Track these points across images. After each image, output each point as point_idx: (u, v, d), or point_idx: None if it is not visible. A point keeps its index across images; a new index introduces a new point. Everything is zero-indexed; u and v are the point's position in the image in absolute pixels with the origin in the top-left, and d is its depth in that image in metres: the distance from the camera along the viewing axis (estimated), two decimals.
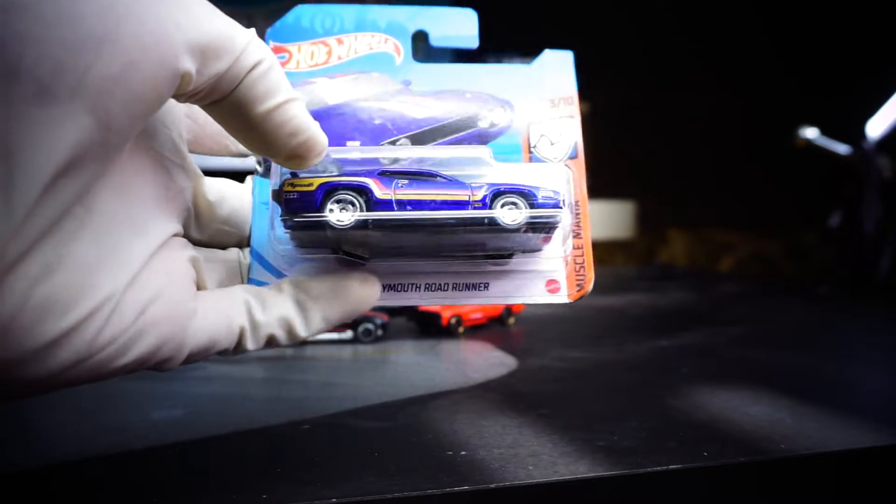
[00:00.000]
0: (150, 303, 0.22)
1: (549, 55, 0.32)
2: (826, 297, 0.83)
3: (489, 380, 0.43)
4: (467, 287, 0.29)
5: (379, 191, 0.27)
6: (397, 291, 0.29)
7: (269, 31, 0.31)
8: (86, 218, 0.20)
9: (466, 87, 0.31)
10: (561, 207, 0.28)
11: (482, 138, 0.31)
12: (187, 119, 0.27)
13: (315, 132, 0.24)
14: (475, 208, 0.27)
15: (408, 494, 0.26)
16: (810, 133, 0.90)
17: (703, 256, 1.36)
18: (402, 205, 0.27)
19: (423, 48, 0.32)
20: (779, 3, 1.28)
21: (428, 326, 0.56)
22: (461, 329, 0.55)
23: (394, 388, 0.41)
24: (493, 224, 0.27)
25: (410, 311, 0.58)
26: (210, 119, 0.25)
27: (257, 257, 0.29)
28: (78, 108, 0.18)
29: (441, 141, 0.30)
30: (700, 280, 0.97)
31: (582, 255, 0.29)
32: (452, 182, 0.28)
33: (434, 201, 0.27)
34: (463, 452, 0.30)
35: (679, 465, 0.29)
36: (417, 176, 0.28)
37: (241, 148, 0.27)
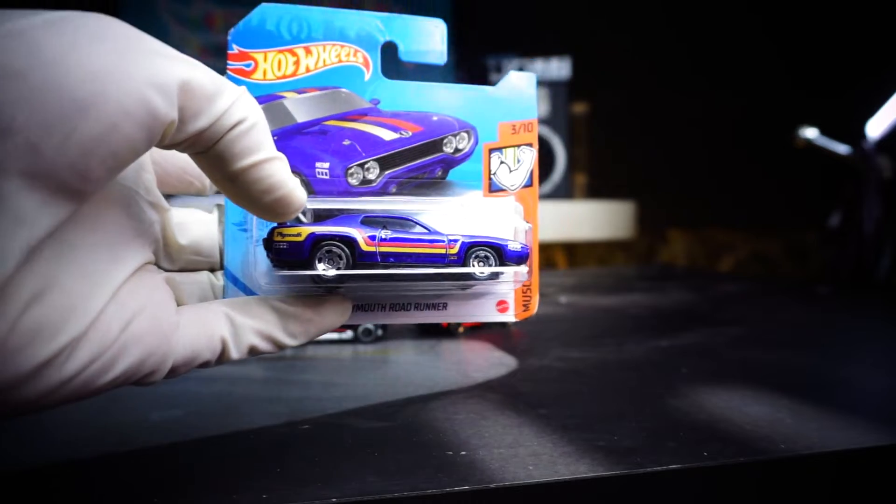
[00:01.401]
0: (133, 318, 0.23)
1: (514, 77, 0.33)
2: (826, 297, 0.83)
3: (489, 380, 0.43)
4: (428, 307, 0.32)
5: (364, 243, 0.29)
6: (364, 311, 0.31)
7: (231, 33, 0.30)
8: (66, 247, 0.21)
9: (434, 106, 0.32)
10: (524, 259, 0.31)
11: (447, 164, 0.32)
12: (151, 159, 0.28)
13: (291, 190, 0.25)
14: (451, 261, 0.30)
15: (408, 494, 0.26)
16: (810, 133, 0.90)
17: (703, 256, 1.36)
18: (386, 257, 0.29)
19: (392, 59, 0.32)
20: (779, 3, 1.28)
21: (428, 326, 0.56)
22: (461, 329, 0.55)
23: (394, 388, 0.41)
24: (468, 277, 0.30)
25: None
26: (172, 159, 0.27)
27: (232, 279, 0.29)
28: (61, 164, 0.19)
29: (408, 165, 0.32)
30: (700, 280, 0.97)
31: (529, 280, 0.32)
32: (430, 232, 0.30)
33: (415, 254, 0.29)
34: (463, 452, 0.31)
35: (679, 465, 0.29)
36: (398, 223, 0.30)
37: (205, 184, 0.29)
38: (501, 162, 0.32)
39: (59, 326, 0.21)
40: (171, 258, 0.28)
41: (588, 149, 1.29)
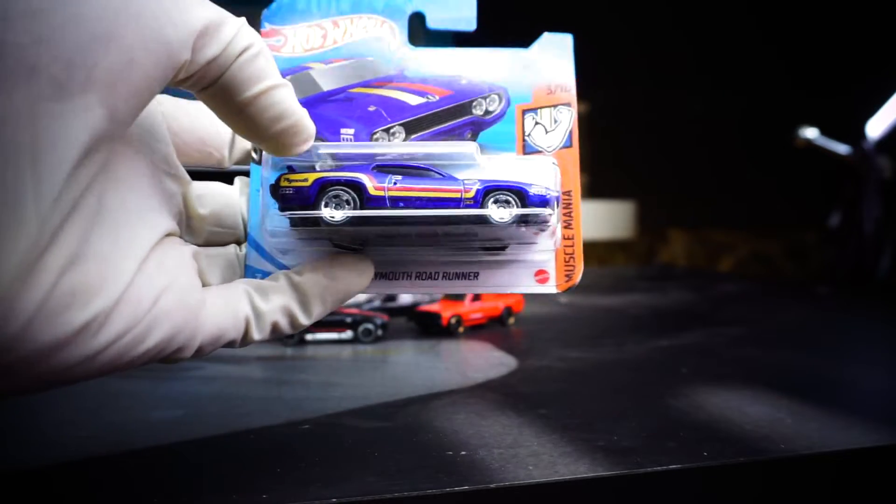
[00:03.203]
0: (163, 292, 0.23)
1: (547, 39, 0.31)
2: (826, 297, 0.83)
3: (489, 380, 0.43)
4: (457, 276, 0.29)
5: (372, 187, 0.27)
6: (388, 280, 0.29)
7: (264, 12, 0.30)
8: (99, 210, 0.21)
9: (462, 72, 0.31)
10: (551, 204, 0.28)
11: (476, 126, 0.31)
12: (170, 131, 0.28)
13: (300, 118, 0.25)
14: (467, 205, 0.27)
15: (408, 494, 0.26)
16: (810, 133, 0.90)
17: (703, 256, 1.36)
18: (395, 201, 0.27)
19: (420, 30, 0.32)
20: (779, 3, 1.28)
21: (428, 326, 0.55)
22: (461, 329, 0.55)
23: (394, 388, 0.41)
24: (483, 221, 0.27)
25: (410, 312, 0.58)
26: (190, 130, 0.27)
27: (254, 245, 0.29)
28: (90, 101, 0.19)
29: (435, 129, 0.30)
30: (700, 280, 0.97)
31: (572, 246, 0.29)
32: (445, 178, 0.28)
33: (426, 198, 0.27)
34: (463, 452, 0.30)
35: (679, 465, 0.29)
36: (411, 170, 0.28)
37: (224, 155, 0.29)
38: (536, 123, 0.30)
39: (93, 292, 0.20)
40: (194, 231, 0.28)
41: (588, 149, 1.29)
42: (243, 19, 0.23)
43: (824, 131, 0.90)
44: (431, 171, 0.28)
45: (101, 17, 0.20)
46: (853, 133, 0.90)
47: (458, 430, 0.33)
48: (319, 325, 0.51)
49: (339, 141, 0.29)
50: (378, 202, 0.27)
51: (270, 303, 0.26)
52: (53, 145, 0.19)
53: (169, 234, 0.25)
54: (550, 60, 0.31)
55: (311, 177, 0.27)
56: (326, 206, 0.27)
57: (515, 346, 0.52)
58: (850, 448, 0.32)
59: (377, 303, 0.60)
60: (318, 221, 0.27)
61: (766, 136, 1.20)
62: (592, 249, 1.34)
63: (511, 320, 0.59)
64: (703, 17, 1.27)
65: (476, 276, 0.29)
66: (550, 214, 0.28)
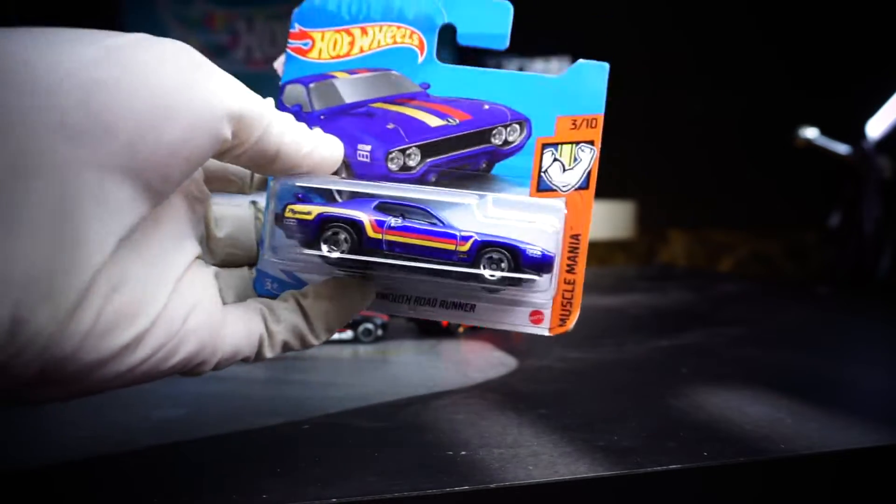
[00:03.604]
0: (191, 312, 0.25)
1: (581, 67, 0.30)
2: (826, 297, 0.83)
3: (489, 380, 0.43)
4: (455, 306, 0.30)
5: (371, 229, 0.28)
6: (390, 301, 0.30)
7: (295, 13, 0.31)
8: (140, 240, 0.23)
9: (487, 94, 0.30)
10: (545, 268, 0.28)
11: (493, 156, 0.30)
12: None
13: (330, 153, 0.28)
14: (461, 259, 0.28)
15: (408, 494, 0.26)
16: (810, 133, 0.90)
17: (703, 256, 1.36)
18: (392, 245, 0.28)
19: (448, 43, 0.31)
20: (779, 3, 1.28)
21: (428, 326, 0.56)
22: (461, 329, 0.55)
23: (394, 388, 0.41)
24: (474, 277, 0.27)
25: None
26: (210, 165, 0.29)
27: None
28: (148, 170, 0.22)
29: (452, 154, 0.30)
30: (700, 280, 0.97)
31: (572, 291, 0.29)
32: (443, 227, 0.28)
33: (421, 247, 0.27)
34: (463, 452, 0.31)
35: (679, 465, 0.29)
36: (412, 213, 0.28)
37: (245, 183, 0.30)
38: (555, 159, 0.29)
39: (134, 315, 0.23)
40: (212, 251, 0.29)
41: None
42: (270, 100, 0.26)
43: (824, 131, 0.90)
44: (432, 215, 0.28)
45: (170, 91, 0.22)
46: (853, 133, 0.90)
47: (458, 430, 0.33)
48: None
49: (356, 155, 0.29)
50: (375, 244, 0.28)
51: (281, 323, 0.28)
52: (113, 205, 0.21)
53: (197, 257, 0.27)
54: (580, 91, 0.29)
55: (315, 211, 0.28)
56: (325, 242, 0.28)
57: (515, 346, 0.52)
58: (850, 448, 0.32)
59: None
60: (323, 258, 0.28)
61: (766, 136, 1.20)
62: (592, 249, 1.34)
63: None
64: (703, 17, 1.27)
65: (473, 308, 0.30)
66: (541, 280, 0.28)
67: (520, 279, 0.28)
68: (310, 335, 0.28)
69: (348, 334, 0.52)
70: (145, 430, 0.34)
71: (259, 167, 0.27)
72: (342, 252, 0.28)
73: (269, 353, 0.28)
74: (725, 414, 0.36)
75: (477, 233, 0.28)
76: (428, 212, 0.28)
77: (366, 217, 0.28)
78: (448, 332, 0.55)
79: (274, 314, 0.28)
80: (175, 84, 0.22)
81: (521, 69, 1.17)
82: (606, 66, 0.29)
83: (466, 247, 0.28)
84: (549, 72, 1.23)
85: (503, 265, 0.28)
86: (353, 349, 0.51)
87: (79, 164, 0.21)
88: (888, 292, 0.84)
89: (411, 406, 0.37)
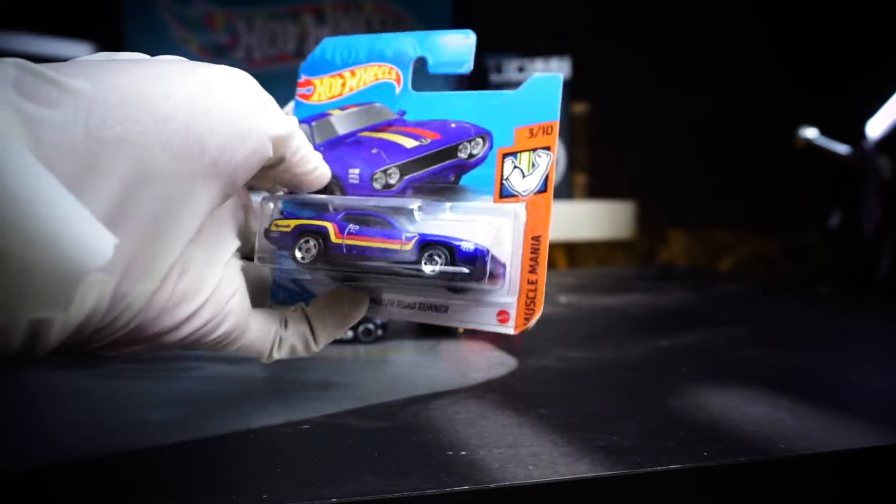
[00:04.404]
0: (232, 295, 0.30)
1: (536, 80, 0.32)
2: (826, 297, 0.83)
3: (489, 380, 0.43)
4: (431, 308, 0.33)
5: (334, 235, 0.32)
6: (379, 305, 0.34)
7: (302, 66, 0.37)
8: (201, 234, 0.28)
9: (455, 113, 0.34)
10: (479, 261, 0.30)
11: (461, 168, 0.33)
12: None
13: (326, 171, 0.33)
14: (404, 258, 0.31)
15: (408, 494, 0.26)
16: (810, 133, 0.90)
17: (703, 256, 1.36)
18: (350, 248, 0.31)
19: (422, 72, 0.35)
20: (779, 3, 1.28)
21: (428, 326, 0.55)
22: (461, 329, 0.55)
23: (394, 388, 0.41)
24: (419, 272, 0.31)
25: None
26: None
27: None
28: (225, 178, 0.27)
29: (425, 171, 0.34)
30: (700, 280, 0.97)
31: (535, 290, 0.31)
32: (393, 230, 0.32)
33: (373, 248, 0.31)
34: (463, 452, 0.31)
35: (679, 465, 0.29)
36: (371, 220, 0.32)
37: (276, 184, 0.35)
38: (515, 167, 0.32)
39: (196, 292, 0.28)
40: (246, 241, 0.34)
41: (588, 149, 1.29)
42: (295, 118, 0.31)
43: (824, 131, 0.90)
44: (387, 221, 0.32)
45: (243, 117, 0.28)
46: (853, 133, 0.90)
47: (458, 430, 0.33)
48: None
49: (348, 179, 0.34)
50: (338, 248, 0.32)
51: (290, 330, 0.33)
52: (196, 206, 0.27)
53: (237, 249, 0.32)
54: (536, 102, 0.32)
55: (293, 223, 0.33)
56: (299, 249, 0.32)
57: (515, 346, 0.52)
58: (850, 448, 0.32)
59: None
60: (297, 262, 0.33)
61: (766, 136, 1.20)
62: (592, 249, 1.34)
63: None
64: (703, 18, 1.28)
65: (446, 309, 0.33)
66: (472, 272, 0.30)
67: (454, 273, 0.30)
68: (312, 342, 0.34)
69: (348, 334, 0.52)
70: (144, 431, 0.34)
71: (278, 178, 0.32)
72: (311, 257, 0.32)
73: (276, 355, 0.33)
74: (725, 414, 0.36)
75: (420, 233, 0.31)
76: (385, 219, 0.32)
77: (330, 225, 0.32)
78: (448, 332, 0.55)
79: (286, 322, 0.33)
80: (246, 113, 0.28)
81: (521, 69, 1.17)
82: (560, 76, 0.32)
83: (410, 246, 0.31)
84: (549, 71, 1.22)
85: (440, 261, 0.30)
86: (353, 349, 0.51)
87: (178, 175, 0.26)
88: (888, 292, 0.84)
89: (411, 406, 0.37)
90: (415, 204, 0.32)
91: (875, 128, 0.88)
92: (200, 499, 0.26)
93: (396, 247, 0.31)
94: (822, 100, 1.14)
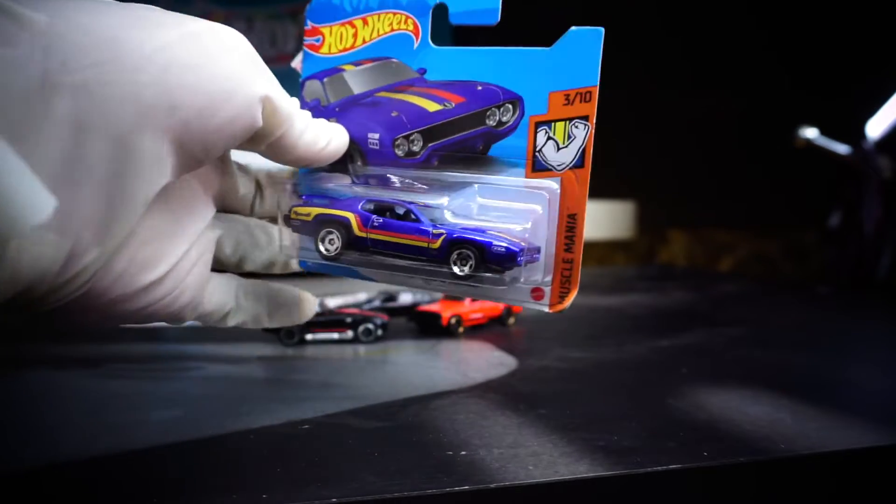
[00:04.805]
0: (192, 268, 0.30)
1: (573, 36, 0.29)
2: (826, 297, 0.83)
3: (489, 380, 0.43)
4: (462, 281, 0.31)
5: (357, 227, 0.31)
6: (405, 275, 0.32)
7: (307, 10, 0.34)
8: (166, 202, 0.27)
9: (480, 74, 0.30)
10: (515, 260, 0.29)
11: (489, 137, 0.30)
12: None
13: (340, 143, 0.31)
14: (432, 256, 0.30)
15: (408, 494, 0.26)
16: (810, 133, 0.90)
17: (703, 256, 1.36)
18: (375, 243, 0.31)
19: (442, 24, 0.32)
20: (779, 3, 1.28)
21: (428, 326, 0.55)
22: (461, 329, 0.55)
23: (394, 388, 0.41)
24: (448, 273, 0.30)
25: (410, 312, 0.58)
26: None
27: None
28: (199, 138, 0.25)
29: (451, 138, 0.31)
30: (700, 280, 0.97)
31: (570, 269, 0.30)
32: (420, 224, 0.30)
33: (398, 244, 0.30)
34: (463, 452, 0.31)
35: (679, 465, 0.29)
36: (393, 211, 0.31)
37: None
38: (549, 137, 0.29)
39: (156, 263, 0.28)
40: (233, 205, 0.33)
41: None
42: (296, 100, 0.30)
43: (824, 131, 0.90)
44: (412, 212, 0.31)
45: (228, 78, 0.25)
46: (853, 133, 0.90)
47: (458, 430, 0.33)
48: (320, 325, 0.51)
49: (367, 144, 0.32)
50: (361, 242, 0.31)
51: (248, 305, 0.34)
52: (161, 169, 0.25)
53: (208, 223, 0.31)
54: (572, 62, 0.29)
55: (313, 212, 0.32)
56: (321, 241, 0.32)
57: (515, 346, 0.52)
58: (850, 448, 0.32)
59: (377, 303, 0.60)
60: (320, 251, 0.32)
61: (766, 137, 1.20)
62: (592, 249, 1.34)
63: (511, 320, 0.59)
64: (703, 18, 1.27)
65: (479, 283, 0.31)
66: (505, 272, 0.29)
67: (490, 269, 0.29)
68: (265, 320, 0.34)
69: (348, 334, 0.52)
70: (144, 431, 0.34)
71: (279, 158, 0.30)
72: (336, 250, 0.31)
73: (230, 323, 0.33)
74: (725, 414, 0.36)
75: (448, 230, 0.29)
76: (412, 210, 0.31)
77: (353, 216, 0.31)
78: (448, 332, 0.55)
79: (244, 295, 0.33)
80: (231, 73, 0.25)
81: None
82: (601, 31, 0.29)
83: (438, 244, 0.30)
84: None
85: (470, 262, 0.29)
86: (353, 349, 0.51)
87: (142, 132, 0.24)
88: (888, 292, 0.84)
89: (411, 406, 0.37)
90: (443, 198, 0.30)
91: (875, 128, 0.88)
92: (200, 499, 0.26)
93: (424, 244, 0.30)
94: (822, 100, 1.14)
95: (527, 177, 0.30)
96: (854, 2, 1.23)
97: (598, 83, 0.28)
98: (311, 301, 0.36)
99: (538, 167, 0.29)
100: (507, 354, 0.49)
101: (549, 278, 0.30)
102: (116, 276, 0.26)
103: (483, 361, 0.48)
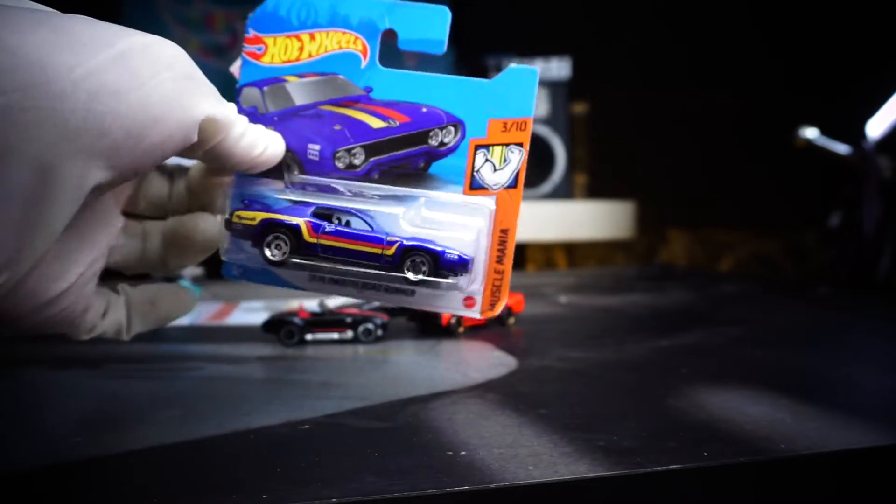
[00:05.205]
0: (93, 276, 0.30)
1: (512, 72, 0.31)
2: (826, 297, 0.83)
3: (489, 380, 0.43)
4: (397, 291, 0.33)
5: (307, 234, 0.31)
6: (339, 285, 0.33)
7: (250, 18, 0.33)
8: (79, 217, 0.27)
9: (425, 97, 0.32)
10: (464, 268, 0.31)
11: (430, 156, 0.32)
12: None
13: (277, 149, 0.31)
14: (386, 262, 0.30)
15: (408, 494, 0.26)
16: (810, 133, 0.90)
17: (703, 256, 1.36)
18: (326, 249, 0.31)
19: (390, 47, 0.33)
20: (778, 3, 1.28)
21: (428, 326, 0.55)
22: (461, 329, 0.55)
23: (394, 388, 0.41)
24: (403, 279, 0.31)
25: (410, 312, 0.58)
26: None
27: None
28: (127, 161, 0.25)
29: (392, 154, 0.32)
30: (700, 280, 0.97)
31: (501, 279, 0.32)
32: (372, 233, 0.31)
33: (352, 251, 0.31)
34: (463, 452, 0.31)
35: (679, 465, 0.29)
36: (346, 217, 0.31)
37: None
38: (487, 160, 0.32)
39: (64, 276, 0.28)
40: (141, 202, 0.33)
41: (588, 149, 1.29)
42: (234, 105, 0.29)
43: (824, 131, 0.90)
44: (364, 220, 0.31)
45: (159, 102, 0.25)
46: (853, 133, 0.90)
47: (458, 430, 0.33)
48: (319, 325, 0.51)
49: (307, 154, 0.32)
50: (312, 248, 0.31)
51: (107, 317, 0.33)
52: (82, 193, 0.25)
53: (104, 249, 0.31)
54: (512, 95, 0.31)
55: (258, 216, 0.31)
56: (267, 246, 0.31)
57: (515, 346, 0.52)
58: (850, 448, 0.32)
59: (377, 303, 0.60)
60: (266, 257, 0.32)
61: (766, 136, 1.20)
62: (592, 249, 1.34)
63: (511, 320, 0.59)
64: (702, 18, 1.27)
65: (413, 292, 0.32)
66: (457, 281, 0.31)
67: (438, 282, 0.31)
68: (125, 332, 0.34)
69: (348, 334, 0.52)
70: (144, 431, 0.34)
71: (215, 163, 0.30)
72: (283, 255, 0.31)
73: (84, 337, 0.33)
74: (725, 414, 0.36)
75: (403, 237, 0.30)
76: (356, 215, 0.31)
77: (303, 222, 0.31)
78: (448, 332, 0.55)
79: (108, 307, 0.33)
80: (165, 95, 0.25)
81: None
82: (535, 70, 0.31)
83: (392, 251, 0.31)
84: (549, 71, 1.23)
85: (424, 268, 0.31)
86: (353, 349, 0.51)
87: (66, 158, 0.23)
88: (888, 292, 0.84)
89: (411, 406, 0.37)
90: (398, 210, 0.31)
91: (875, 128, 0.88)
92: (200, 499, 0.26)
93: (378, 251, 0.30)
94: (822, 100, 1.14)
95: (464, 193, 0.32)
96: (854, 2, 1.23)
97: (533, 115, 0.31)
98: (191, 294, 0.36)
99: (475, 186, 0.32)
100: (507, 354, 0.49)
101: (480, 287, 0.32)
102: (25, 293, 0.27)
103: (483, 361, 0.48)
